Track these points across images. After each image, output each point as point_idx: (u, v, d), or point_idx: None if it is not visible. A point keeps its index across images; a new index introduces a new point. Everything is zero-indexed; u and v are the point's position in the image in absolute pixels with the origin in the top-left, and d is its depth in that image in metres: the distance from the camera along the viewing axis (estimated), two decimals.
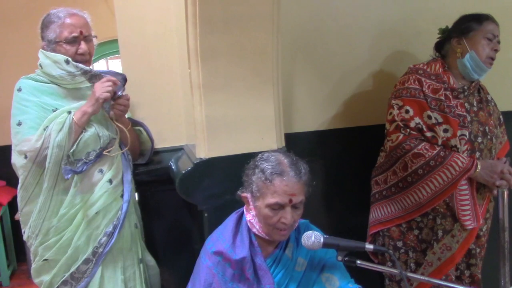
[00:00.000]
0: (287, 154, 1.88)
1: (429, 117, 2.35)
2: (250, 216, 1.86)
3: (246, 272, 1.80)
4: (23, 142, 2.13)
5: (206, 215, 2.23)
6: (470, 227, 2.35)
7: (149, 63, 2.60)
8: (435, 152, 2.30)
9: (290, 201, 1.76)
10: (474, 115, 2.45)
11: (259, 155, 1.87)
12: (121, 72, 2.43)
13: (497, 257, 1.43)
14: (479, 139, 2.42)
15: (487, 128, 2.45)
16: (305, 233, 1.76)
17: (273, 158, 1.82)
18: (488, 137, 2.45)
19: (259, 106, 2.22)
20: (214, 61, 2.11)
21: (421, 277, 1.93)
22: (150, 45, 2.59)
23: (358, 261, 1.72)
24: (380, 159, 2.54)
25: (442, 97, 2.36)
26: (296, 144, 2.52)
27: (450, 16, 2.90)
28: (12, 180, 4.08)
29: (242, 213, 1.92)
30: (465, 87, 2.46)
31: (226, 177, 2.16)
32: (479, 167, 2.31)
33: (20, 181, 2.21)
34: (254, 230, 1.84)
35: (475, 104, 2.49)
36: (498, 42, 2.42)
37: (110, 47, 5.21)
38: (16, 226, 4.62)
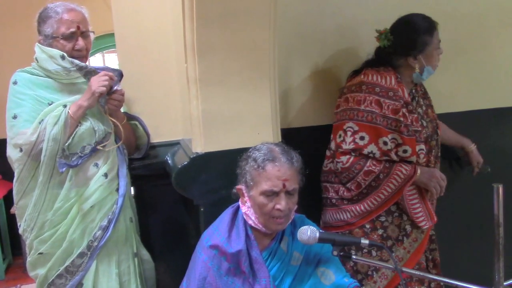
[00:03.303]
0: (278, 144, 1.91)
1: (385, 143, 2.33)
2: (245, 208, 1.87)
3: (242, 266, 1.80)
4: (19, 135, 2.13)
5: (202, 209, 2.23)
6: (426, 227, 2.44)
7: (146, 58, 2.59)
8: (381, 165, 2.33)
9: (284, 186, 1.77)
10: (426, 116, 2.50)
11: (251, 147, 1.90)
12: (117, 67, 2.43)
13: (491, 252, 1.44)
14: (434, 137, 2.51)
15: (435, 123, 2.54)
16: (301, 228, 1.76)
17: (265, 147, 1.85)
18: (437, 131, 2.54)
19: (255, 101, 2.21)
20: (210, 56, 2.11)
21: (417, 272, 1.94)
22: (147, 40, 2.58)
23: (354, 256, 1.72)
24: (330, 164, 2.49)
25: (401, 118, 2.32)
26: (292, 139, 2.50)
27: (447, 11, 2.90)
28: (7, 173, 4.08)
29: (238, 206, 1.93)
30: (413, 91, 2.51)
31: (222, 172, 2.16)
32: (418, 172, 2.35)
33: (15, 174, 2.21)
34: (250, 222, 1.85)
35: (422, 102, 2.53)
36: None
37: (107, 41, 5.19)
38: (11, 220, 4.60)
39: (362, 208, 2.40)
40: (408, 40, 2.38)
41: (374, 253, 2.42)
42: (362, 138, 2.33)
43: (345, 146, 2.34)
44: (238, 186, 1.89)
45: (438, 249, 2.66)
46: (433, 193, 2.43)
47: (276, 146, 1.87)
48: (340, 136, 2.38)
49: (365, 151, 2.33)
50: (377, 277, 2.44)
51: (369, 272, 2.44)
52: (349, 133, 2.34)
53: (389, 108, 2.32)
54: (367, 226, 2.45)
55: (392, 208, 2.43)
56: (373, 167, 2.32)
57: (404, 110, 2.34)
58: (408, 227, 2.46)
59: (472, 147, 2.82)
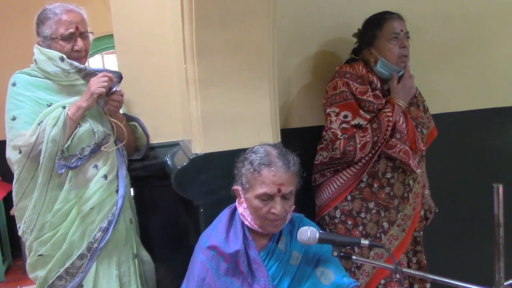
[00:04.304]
0: (276, 146, 1.91)
1: (365, 111, 2.42)
2: (242, 209, 1.87)
3: (240, 266, 1.80)
4: (18, 137, 2.13)
5: (202, 210, 2.23)
6: (418, 171, 2.46)
7: (145, 59, 2.59)
8: (369, 131, 2.37)
9: (279, 191, 1.77)
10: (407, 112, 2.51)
11: (249, 148, 1.89)
12: (116, 69, 2.43)
13: (491, 252, 1.44)
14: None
15: (418, 122, 2.56)
16: (301, 229, 1.76)
17: (262, 150, 1.84)
18: (418, 129, 2.55)
19: (255, 102, 2.21)
20: (210, 57, 2.11)
21: (416, 272, 1.95)
22: (146, 41, 2.58)
23: (354, 257, 1.72)
24: (321, 158, 2.55)
25: (370, 98, 2.42)
26: (292, 140, 2.52)
27: (445, 12, 2.91)
28: (7, 175, 4.06)
29: (236, 207, 1.93)
30: None
31: (222, 173, 2.16)
32: (400, 103, 2.41)
33: (15, 176, 2.20)
34: (246, 222, 1.85)
35: None
36: (407, 36, 2.44)
37: (106, 42, 5.18)
38: (11, 222, 4.59)
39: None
40: (361, 35, 2.54)
41: (356, 249, 2.42)
42: (345, 116, 2.40)
43: (334, 126, 2.40)
44: (235, 187, 1.89)
45: (424, 252, 2.65)
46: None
47: (274, 148, 1.86)
48: (328, 121, 2.44)
49: (353, 123, 2.39)
50: (359, 274, 2.47)
51: (353, 269, 2.47)
52: (333, 115, 2.42)
53: (357, 90, 2.43)
54: (349, 222, 2.47)
55: (370, 205, 2.47)
56: (363, 138, 2.36)
57: (377, 91, 2.45)
58: (385, 224, 2.48)
59: (425, 191, 2.76)
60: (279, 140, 2.31)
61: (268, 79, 2.21)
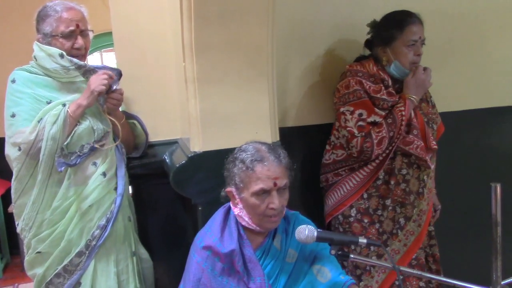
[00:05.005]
0: (263, 142, 1.90)
1: (380, 109, 2.43)
2: (237, 210, 1.86)
3: (236, 265, 1.80)
4: (17, 134, 2.13)
5: (200, 209, 2.23)
6: (432, 166, 2.51)
7: (144, 57, 2.59)
8: (384, 126, 2.38)
9: (275, 184, 1.77)
10: (419, 108, 2.52)
11: (236, 149, 1.88)
12: (116, 67, 2.43)
13: (489, 251, 1.44)
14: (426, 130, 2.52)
15: (429, 117, 2.57)
16: (298, 227, 1.75)
17: (251, 147, 1.84)
18: (430, 125, 2.56)
19: (254, 100, 2.22)
20: (209, 55, 2.11)
21: (414, 271, 1.95)
22: (145, 39, 2.58)
23: (352, 256, 1.72)
24: (334, 157, 2.54)
25: (384, 96, 2.42)
26: (291, 138, 2.52)
27: (444, 11, 2.91)
28: (5, 172, 4.06)
29: (230, 206, 1.92)
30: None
31: (220, 171, 2.14)
32: (412, 98, 2.42)
33: (14, 173, 2.20)
34: (244, 223, 1.84)
35: None
36: (423, 42, 2.44)
37: (105, 39, 5.17)
38: (9, 219, 4.62)
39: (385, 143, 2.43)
40: (379, 32, 2.50)
41: (372, 247, 2.44)
42: (360, 114, 2.41)
43: (350, 124, 2.41)
44: (228, 189, 1.87)
45: (438, 245, 2.68)
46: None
47: (262, 144, 1.86)
48: (342, 119, 2.43)
49: (369, 120, 2.40)
50: (374, 272, 2.48)
51: (367, 268, 2.47)
52: (348, 113, 2.42)
53: (370, 88, 2.43)
54: (366, 220, 2.48)
55: (387, 202, 2.47)
56: (379, 133, 2.37)
57: (390, 89, 2.45)
58: (402, 220, 2.49)
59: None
60: (278, 138, 2.32)
61: (267, 77, 2.21)
